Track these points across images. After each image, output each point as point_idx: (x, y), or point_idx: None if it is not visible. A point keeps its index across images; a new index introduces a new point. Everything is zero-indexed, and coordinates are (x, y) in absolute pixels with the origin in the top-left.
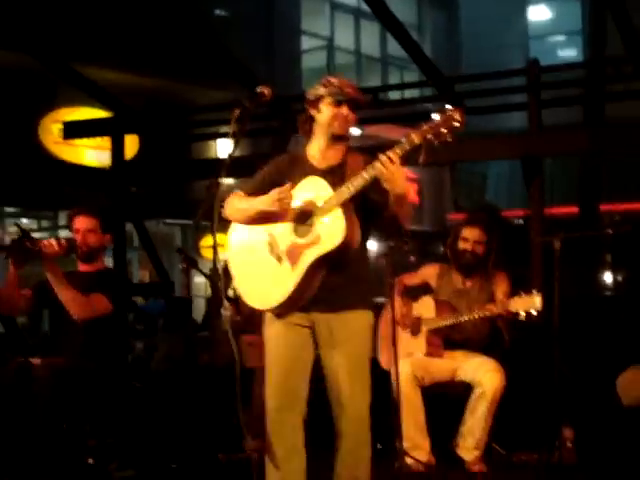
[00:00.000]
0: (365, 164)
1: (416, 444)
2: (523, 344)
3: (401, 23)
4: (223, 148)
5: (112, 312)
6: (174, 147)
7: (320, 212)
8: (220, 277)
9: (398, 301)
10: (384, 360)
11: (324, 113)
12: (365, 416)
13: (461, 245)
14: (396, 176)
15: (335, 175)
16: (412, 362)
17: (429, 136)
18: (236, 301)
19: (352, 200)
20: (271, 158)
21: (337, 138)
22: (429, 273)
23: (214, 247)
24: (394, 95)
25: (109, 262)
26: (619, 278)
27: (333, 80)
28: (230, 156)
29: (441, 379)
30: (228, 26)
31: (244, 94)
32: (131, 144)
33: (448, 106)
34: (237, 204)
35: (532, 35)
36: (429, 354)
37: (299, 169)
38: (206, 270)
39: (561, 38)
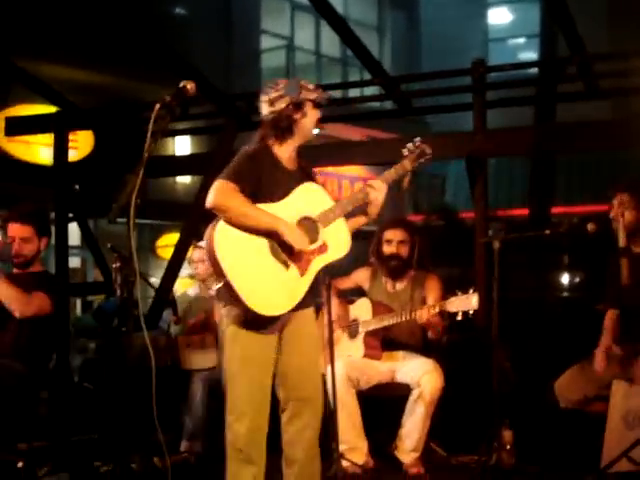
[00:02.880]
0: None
1: (353, 446)
2: (464, 345)
3: (345, 21)
4: (181, 145)
5: (52, 313)
6: (129, 145)
7: (324, 221)
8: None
9: (335, 303)
10: (320, 363)
11: (310, 117)
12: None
13: (386, 249)
14: (380, 202)
15: (304, 177)
16: (346, 364)
17: (421, 161)
18: (174, 304)
19: None
20: (216, 156)
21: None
22: (361, 277)
23: (129, 245)
24: (354, 93)
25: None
26: (576, 280)
27: (305, 83)
28: (147, 153)
29: (380, 381)
30: (188, 24)
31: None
32: (86, 141)
33: (417, 139)
34: (240, 206)
35: (492, 37)
36: (367, 356)
37: (276, 169)
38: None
39: (521, 41)
